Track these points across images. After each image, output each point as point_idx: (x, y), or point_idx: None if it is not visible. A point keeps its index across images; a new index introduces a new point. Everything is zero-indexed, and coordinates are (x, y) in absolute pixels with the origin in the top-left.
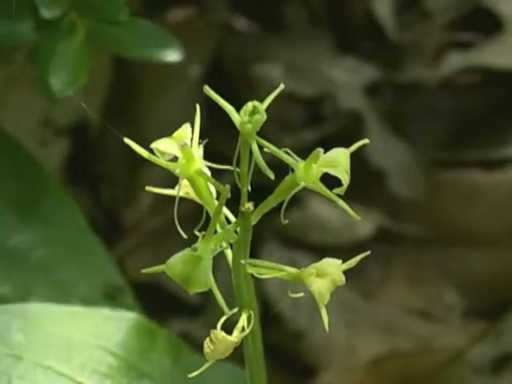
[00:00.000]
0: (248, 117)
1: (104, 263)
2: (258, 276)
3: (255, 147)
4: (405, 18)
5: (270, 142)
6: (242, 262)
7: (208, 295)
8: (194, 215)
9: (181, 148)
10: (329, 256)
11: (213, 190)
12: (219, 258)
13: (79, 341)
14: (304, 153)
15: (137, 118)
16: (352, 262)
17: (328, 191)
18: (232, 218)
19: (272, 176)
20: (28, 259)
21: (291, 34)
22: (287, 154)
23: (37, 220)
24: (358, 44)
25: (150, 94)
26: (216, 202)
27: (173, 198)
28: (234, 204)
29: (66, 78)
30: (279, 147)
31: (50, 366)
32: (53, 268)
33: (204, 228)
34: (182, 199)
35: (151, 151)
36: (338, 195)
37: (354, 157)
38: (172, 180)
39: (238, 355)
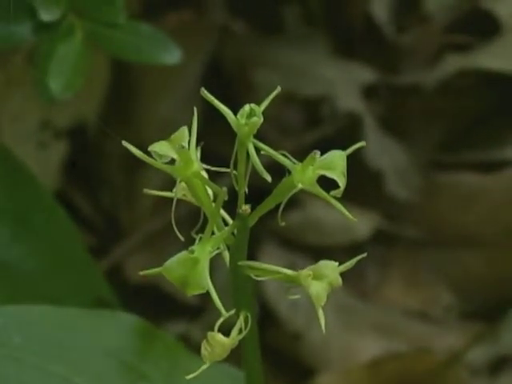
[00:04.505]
0: (245, 119)
1: (93, 278)
2: (256, 278)
3: (252, 150)
4: (403, 21)
5: (268, 143)
6: (240, 264)
7: (207, 297)
8: (193, 217)
9: (178, 151)
10: (327, 258)
11: (210, 192)
12: (218, 260)
13: (78, 342)
14: (303, 155)
15: (135, 120)
16: (349, 264)
17: (325, 193)
18: (229, 220)
19: (269, 178)
20: (18, 272)
21: (289, 36)
22: (284, 156)
23: (28, 233)
24: (356, 46)
25: (149, 97)
26: (213, 205)
27: (171, 200)
28: (231, 206)
29: (64, 80)
30: (278, 149)
31: (47, 368)
32: (42, 281)
33: (201, 230)
34: (180, 201)
35: (149, 154)
36: (335, 197)
37: (352, 158)
38: (171, 182)
39: (236, 357)
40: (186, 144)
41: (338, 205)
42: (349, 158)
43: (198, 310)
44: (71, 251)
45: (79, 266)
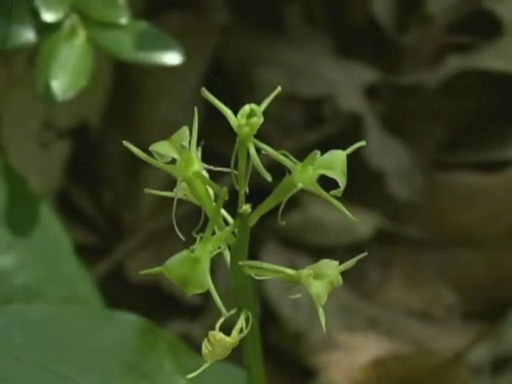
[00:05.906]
0: (245, 119)
1: (87, 291)
2: (256, 277)
3: (252, 150)
4: (405, 21)
5: (269, 143)
6: (241, 263)
7: (208, 296)
8: (193, 217)
9: (179, 150)
10: (328, 257)
11: (211, 192)
12: (219, 259)
13: (79, 341)
14: (304, 154)
15: (137, 120)
16: (350, 264)
17: (325, 193)
18: (230, 220)
19: (269, 178)
20: (11, 282)
21: (291, 36)
22: (285, 156)
23: (24, 243)
24: (357, 46)
25: (151, 97)
26: (214, 204)
27: (172, 200)
28: (232, 206)
29: (66, 80)
30: (279, 149)
31: (50, 367)
32: (35, 293)
33: (202, 230)
34: (180, 201)
35: (151, 154)
36: (336, 197)
37: (354, 158)
38: (172, 182)
39: (237, 356)
40: (186, 144)
41: (339, 204)
42: (350, 157)
43: (199, 310)
44: (66, 263)
45: (73, 279)
